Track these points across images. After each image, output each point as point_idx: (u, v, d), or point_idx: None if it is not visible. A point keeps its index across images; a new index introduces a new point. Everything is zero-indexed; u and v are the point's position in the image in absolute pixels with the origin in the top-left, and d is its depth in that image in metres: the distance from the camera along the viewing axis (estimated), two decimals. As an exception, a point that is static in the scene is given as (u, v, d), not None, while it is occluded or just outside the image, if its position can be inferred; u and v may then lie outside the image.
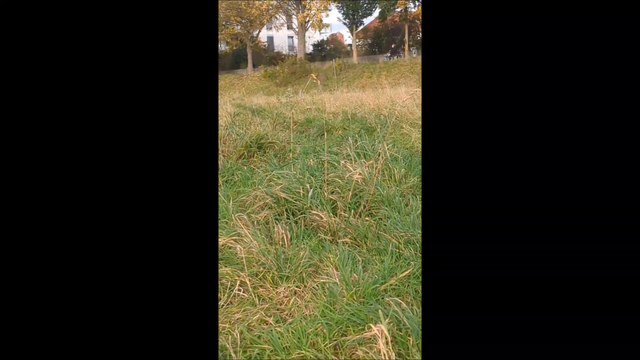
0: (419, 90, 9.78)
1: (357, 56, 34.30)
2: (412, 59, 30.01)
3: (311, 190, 3.01)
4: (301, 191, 3.03)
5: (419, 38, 32.91)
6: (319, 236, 2.66)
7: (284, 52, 37.73)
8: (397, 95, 11.22)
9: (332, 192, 3.13)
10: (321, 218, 2.74)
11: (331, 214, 2.81)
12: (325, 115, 8.47)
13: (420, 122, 7.71)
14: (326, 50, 37.61)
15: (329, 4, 31.97)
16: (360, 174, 3.17)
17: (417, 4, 30.72)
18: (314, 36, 37.03)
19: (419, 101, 9.31)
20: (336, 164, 3.68)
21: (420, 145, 6.19)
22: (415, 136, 6.63)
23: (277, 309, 2.00)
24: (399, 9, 31.63)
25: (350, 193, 3.08)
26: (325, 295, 2.02)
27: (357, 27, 34.23)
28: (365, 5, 33.44)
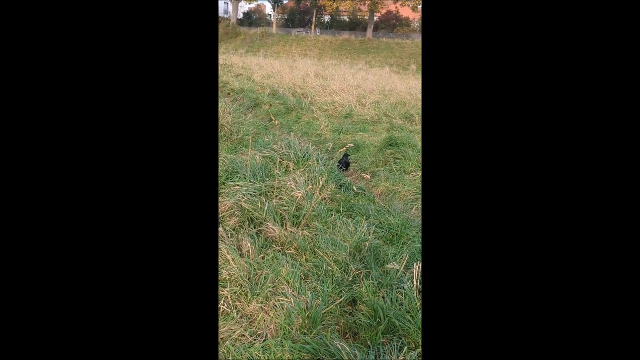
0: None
1: (276, 27, 42.46)
2: (315, 36, 37.75)
3: (267, 203, 3.35)
4: (259, 204, 3.32)
5: (322, 19, 43.48)
6: (273, 247, 3.00)
7: (219, 15, 43.50)
8: (305, 67, 15.51)
9: (281, 206, 3.45)
10: (274, 231, 3.03)
11: (280, 227, 3.13)
12: (255, 87, 11.65)
13: (327, 108, 8.95)
14: (252, 19, 46.89)
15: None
16: (301, 193, 3.51)
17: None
18: (244, 6, 46.43)
19: (324, 82, 11.81)
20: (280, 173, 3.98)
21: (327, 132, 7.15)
22: (323, 122, 7.79)
23: (250, 323, 2.30)
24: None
25: (294, 208, 3.42)
26: (284, 315, 2.33)
27: (278, 5, 44.65)
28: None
